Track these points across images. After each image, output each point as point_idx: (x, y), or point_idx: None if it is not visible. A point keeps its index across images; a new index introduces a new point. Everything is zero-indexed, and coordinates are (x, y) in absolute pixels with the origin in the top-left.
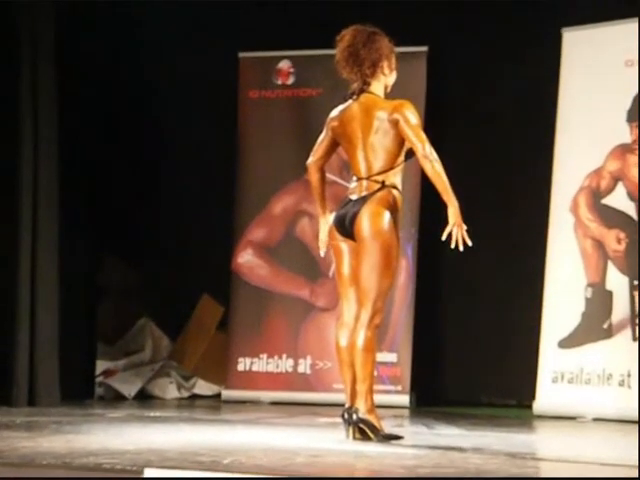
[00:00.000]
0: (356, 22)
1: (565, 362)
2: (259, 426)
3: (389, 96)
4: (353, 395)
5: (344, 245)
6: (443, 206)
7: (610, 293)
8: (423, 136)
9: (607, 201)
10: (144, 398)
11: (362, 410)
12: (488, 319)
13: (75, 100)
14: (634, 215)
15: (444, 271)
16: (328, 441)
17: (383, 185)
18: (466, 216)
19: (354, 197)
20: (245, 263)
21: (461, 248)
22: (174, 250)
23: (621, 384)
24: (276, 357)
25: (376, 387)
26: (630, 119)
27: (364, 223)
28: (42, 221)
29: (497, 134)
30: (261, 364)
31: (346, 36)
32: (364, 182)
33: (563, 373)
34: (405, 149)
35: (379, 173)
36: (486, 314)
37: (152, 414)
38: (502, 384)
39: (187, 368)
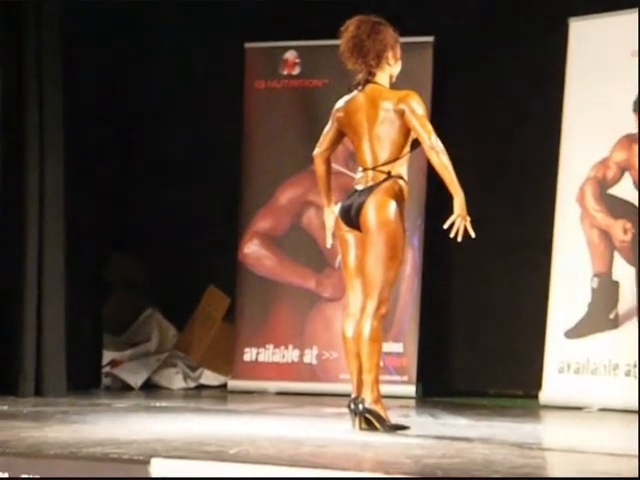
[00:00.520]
0: (362, 12)
1: (571, 352)
2: (265, 416)
3: (394, 86)
4: (359, 385)
5: (350, 236)
6: (449, 197)
7: (616, 283)
8: (429, 127)
9: (614, 191)
10: (150, 388)
11: (368, 400)
12: (494, 309)
13: (80, 92)
14: None
15: (450, 262)
16: (334, 431)
17: (389, 175)
18: (472, 206)
19: (360, 187)
20: (251, 254)
21: (459, 239)
22: (180, 241)
23: (627, 374)
24: (282, 347)
25: (382, 377)
26: (637, 109)
27: (370, 214)
28: (48, 215)
29: (503, 124)
30: (267, 354)
31: (350, 27)
32: (370, 172)
33: (569, 363)
34: (411, 139)
35: (385, 163)
36: (492, 304)
37: (158, 404)
38: (508, 374)
39: (193, 358)
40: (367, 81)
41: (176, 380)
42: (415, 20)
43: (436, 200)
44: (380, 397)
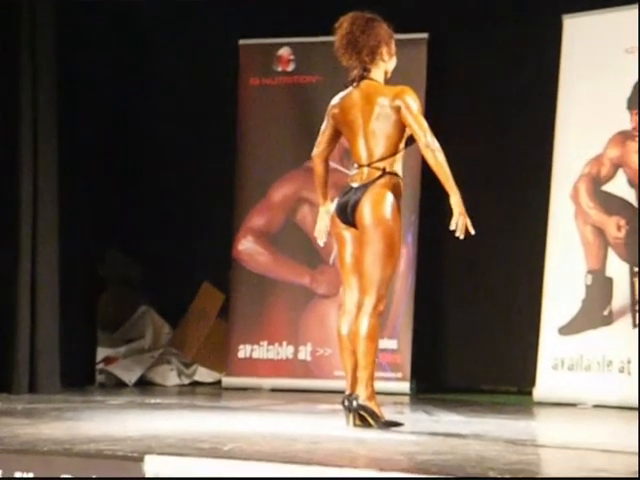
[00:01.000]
0: (356, 8)
1: (565, 349)
2: (260, 413)
3: (389, 82)
4: (354, 382)
5: (346, 233)
6: (443, 194)
7: (610, 280)
8: (425, 124)
9: (607, 188)
10: (145, 385)
11: (362, 397)
12: (488, 306)
13: (73, 88)
14: (634, 202)
15: (444, 258)
16: (328, 428)
17: (384, 172)
18: (467, 203)
19: (355, 185)
20: (245, 250)
21: (462, 236)
22: (175, 238)
23: (621, 371)
24: (276, 344)
25: (376, 374)
26: (630, 106)
27: (366, 211)
28: (43, 211)
29: (497, 121)
30: (261, 351)
31: (344, 23)
32: (365, 169)
33: (563, 360)
34: (406, 136)
35: (380, 160)
36: (486, 301)
37: (153, 401)
38: (502, 371)
39: (188, 355)
40: (362, 77)
41: (170, 377)
42: (409, 16)
43: (430, 197)
44: (374, 394)
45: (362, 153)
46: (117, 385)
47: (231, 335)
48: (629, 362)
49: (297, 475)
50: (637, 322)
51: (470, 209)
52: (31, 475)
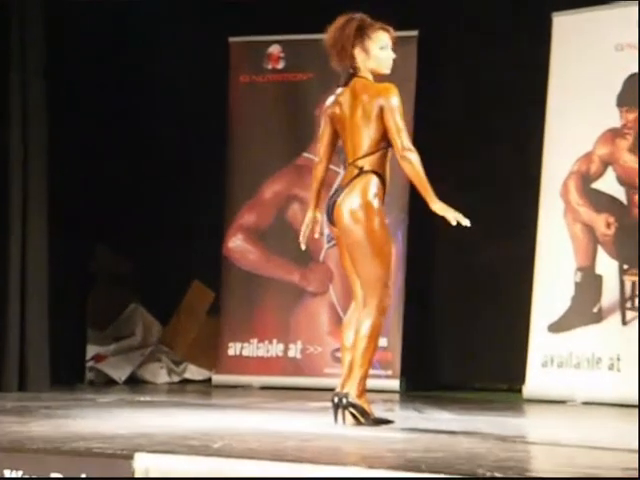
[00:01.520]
0: (346, 6)
1: (555, 346)
2: (249, 410)
3: (383, 79)
4: (345, 379)
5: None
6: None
7: (600, 277)
8: (403, 130)
9: (597, 185)
10: (135, 383)
11: (352, 394)
12: (478, 303)
13: (64, 86)
14: (624, 200)
15: (434, 256)
16: (318, 425)
17: (361, 171)
18: (456, 201)
19: (337, 184)
20: (236, 248)
21: (468, 223)
22: (165, 235)
23: (610, 368)
24: (267, 342)
25: None
26: (620, 103)
27: (341, 213)
28: (32, 208)
29: (487, 119)
30: (252, 349)
31: (330, 26)
32: (349, 168)
33: (553, 357)
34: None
35: (361, 158)
36: (476, 298)
37: (143, 399)
38: (492, 368)
39: (178, 353)
40: (352, 75)
41: (160, 375)
42: (399, 14)
43: (419, 195)
44: (364, 391)
45: (349, 151)
46: (107, 383)
47: (221, 333)
48: (618, 359)
49: (287, 473)
50: (626, 319)
51: (459, 207)
52: (20, 473)
